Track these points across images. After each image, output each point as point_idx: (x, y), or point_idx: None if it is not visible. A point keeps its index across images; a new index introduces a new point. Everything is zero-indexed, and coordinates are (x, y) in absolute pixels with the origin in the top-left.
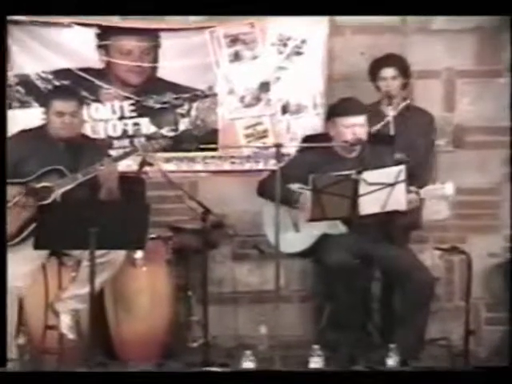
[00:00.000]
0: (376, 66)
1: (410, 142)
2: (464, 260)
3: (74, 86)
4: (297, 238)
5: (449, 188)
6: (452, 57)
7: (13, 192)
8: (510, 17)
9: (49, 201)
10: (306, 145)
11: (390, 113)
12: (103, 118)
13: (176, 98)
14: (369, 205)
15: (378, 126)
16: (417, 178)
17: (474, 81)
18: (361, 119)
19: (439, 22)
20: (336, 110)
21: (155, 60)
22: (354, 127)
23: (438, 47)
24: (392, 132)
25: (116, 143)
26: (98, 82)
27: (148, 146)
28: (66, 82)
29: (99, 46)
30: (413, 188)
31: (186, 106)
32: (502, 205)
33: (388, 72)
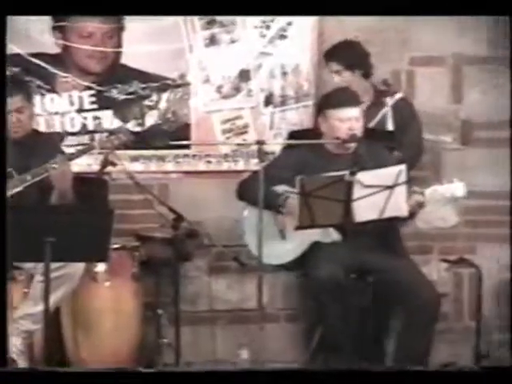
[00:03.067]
0: (325, 59)
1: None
2: (474, 274)
3: (23, 74)
4: (283, 248)
5: (459, 188)
6: (460, 41)
7: None
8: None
9: None
10: (292, 142)
11: (387, 105)
12: (59, 110)
13: (143, 88)
14: (365, 210)
15: (374, 122)
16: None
17: (485, 68)
18: (356, 112)
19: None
20: (328, 102)
21: (119, 44)
22: (350, 121)
23: (443, 31)
24: (390, 127)
25: (74, 139)
26: (53, 70)
27: (107, 142)
28: (15, 70)
29: (54, 28)
30: (417, 188)
31: (154, 97)
32: None
33: (331, 66)
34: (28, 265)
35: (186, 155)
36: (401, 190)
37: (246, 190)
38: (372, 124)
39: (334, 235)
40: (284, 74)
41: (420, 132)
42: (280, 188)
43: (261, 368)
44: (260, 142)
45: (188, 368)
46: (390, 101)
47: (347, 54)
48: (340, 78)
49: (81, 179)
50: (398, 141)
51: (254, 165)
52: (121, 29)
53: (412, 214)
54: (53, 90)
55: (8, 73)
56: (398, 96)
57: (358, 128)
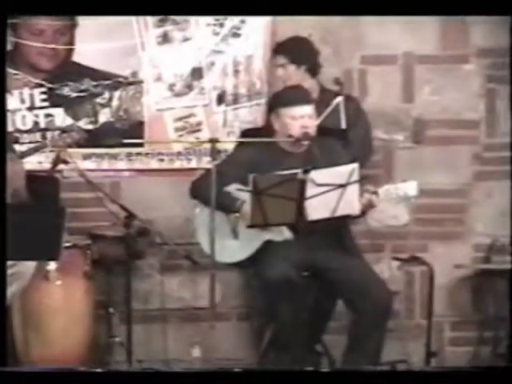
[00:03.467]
0: (271, 54)
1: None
2: (426, 272)
3: None
4: (235, 246)
5: (412, 187)
6: (411, 40)
7: None
8: (510, 17)
9: None
10: (245, 140)
11: (339, 103)
12: (10, 108)
13: (95, 86)
14: (317, 208)
15: (322, 118)
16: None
17: (436, 67)
18: (309, 110)
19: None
20: (280, 100)
21: (71, 42)
22: (302, 118)
23: (395, 29)
24: (343, 125)
25: (25, 137)
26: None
27: (59, 140)
28: None
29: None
30: (370, 187)
31: (106, 95)
32: (469, 209)
33: (277, 60)
34: None
35: (138, 153)
36: (353, 189)
37: (199, 189)
38: (318, 122)
39: (286, 233)
40: (237, 72)
41: (368, 131)
42: (233, 186)
43: (212, 367)
44: (213, 140)
45: (139, 366)
46: (336, 100)
47: (294, 49)
48: (284, 71)
49: (32, 177)
50: (346, 140)
51: (207, 163)
52: (73, 26)
53: (364, 213)
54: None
55: None
56: (344, 95)
57: (310, 126)
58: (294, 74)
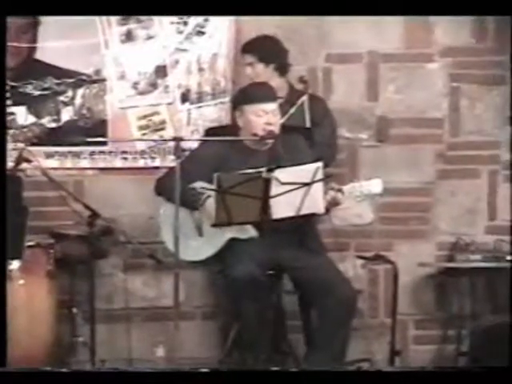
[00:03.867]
0: (240, 52)
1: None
2: (390, 270)
3: None
4: (199, 244)
5: (376, 185)
6: (376, 38)
7: None
8: (510, 17)
9: None
10: (209, 138)
11: (304, 101)
12: None
13: (58, 84)
14: (282, 207)
15: (286, 117)
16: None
17: (400, 66)
18: (273, 106)
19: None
20: (244, 97)
21: (34, 40)
22: (267, 115)
23: (359, 28)
24: (308, 123)
25: None
26: None
27: (19, 135)
28: None
29: None
30: (335, 185)
31: (69, 93)
32: (433, 207)
33: (245, 58)
34: None
35: (101, 152)
36: (318, 187)
37: (164, 186)
38: (284, 121)
39: (251, 231)
40: (201, 70)
41: (334, 130)
42: (197, 185)
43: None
44: (177, 139)
45: (103, 366)
46: (301, 99)
47: (263, 48)
48: (252, 70)
49: None
50: (311, 138)
51: (171, 161)
52: (36, 24)
53: (328, 211)
54: None
55: None
56: (311, 94)
57: (274, 122)
58: (262, 73)
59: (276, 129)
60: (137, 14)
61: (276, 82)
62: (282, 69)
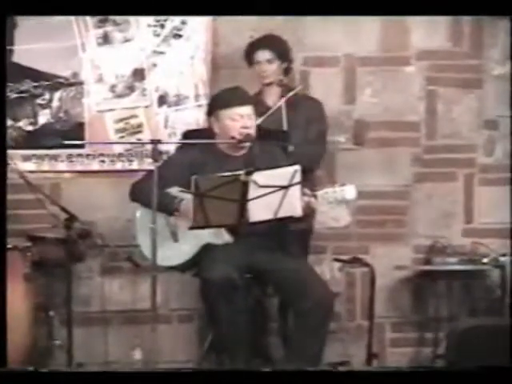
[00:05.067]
0: (250, 49)
1: (300, 137)
2: (367, 273)
3: None
4: (176, 248)
5: (350, 191)
6: (353, 42)
7: None
8: (509, 17)
9: None
10: (186, 141)
11: (277, 103)
12: None
13: (35, 87)
14: (259, 210)
15: (263, 118)
16: (311, 179)
17: (377, 69)
18: (248, 110)
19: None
20: (219, 102)
21: (11, 42)
22: (242, 119)
23: (336, 31)
24: (285, 126)
25: None
26: None
27: None
28: None
29: None
30: (307, 191)
31: (46, 96)
32: (410, 210)
33: (262, 55)
34: None
35: (79, 154)
36: (295, 190)
37: (140, 191)
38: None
39: (225, 236)
40: (178, 73)
41: (325, 131)
42: (174, 188)
43: (153, 369)
44: (154, 142)
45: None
46: (280, 101)
47: (279, 45)
48: (269, 67)
49: None
50: (302, 138)
51: (149, 164)
52: (13, 26)
53: (306, 215)
54: None
55: None
56: (308, 97)
57: (251, 126)
58: (277, 71)
59: (252, 132)
60: (113, 15)
61: (282, 81)
62: (289, 69)
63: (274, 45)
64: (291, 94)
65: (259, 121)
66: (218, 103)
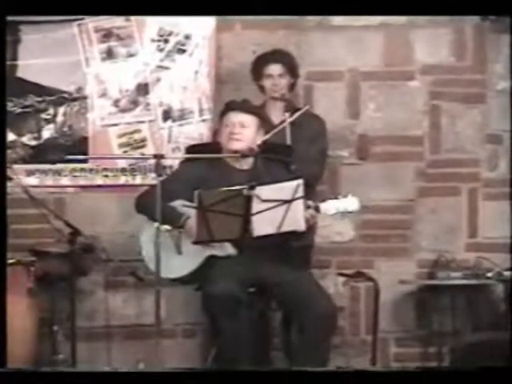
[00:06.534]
0: (260, 63)
1: (302, 154)
2: (371, 287)
3: None
4: (178, 262)
5: (353, 202)
6: (356, 57)
7: None
8: (509, 17)
9: None
10: (190, 156)
11: (281, 118)
12: None
13: (39, 102)
14: (263, 224)
15: (270, 135)
16: (314, 193)
17: (380, 84)
18: (243, 117)
19: (340, 17)
20: (223, 108)
21: (15, 57)
22: (233, 127)
23: (339, 45)
24: (288, 141)
25: None
26: None
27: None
28: None
29: None
30: (311, 203)
31: (50, 111)
32: (414, 224)
33: (275, 69)
34: None
35: (82, 169)
36: (298, 204)
37: (144, 204)
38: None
39: (229, 249)
40: (182, 88)
41: (326, 149)
42: (178, 202)
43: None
44: (158, 156)
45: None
46: (284, 117)
47: (290, 60)
48: (281, 81)
49: None
50: (304, 155)
51: (152, 179)
52: (16, 41)
53: (309, 228)
54: None
55: None
56: (310, 113)
57: (241, 136)
58: (285, 86)
59: (249, 145)
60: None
61: (285, 96)
62: (294, 85)
63: (285, 60)
64: (298, 114)
65: (266, 137)
66: (223, 113)
